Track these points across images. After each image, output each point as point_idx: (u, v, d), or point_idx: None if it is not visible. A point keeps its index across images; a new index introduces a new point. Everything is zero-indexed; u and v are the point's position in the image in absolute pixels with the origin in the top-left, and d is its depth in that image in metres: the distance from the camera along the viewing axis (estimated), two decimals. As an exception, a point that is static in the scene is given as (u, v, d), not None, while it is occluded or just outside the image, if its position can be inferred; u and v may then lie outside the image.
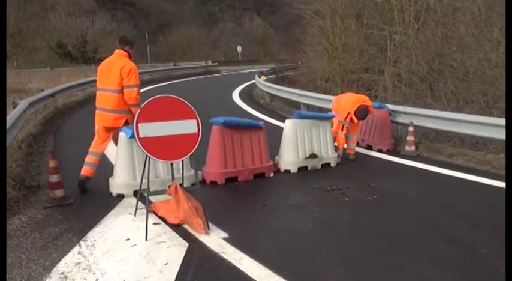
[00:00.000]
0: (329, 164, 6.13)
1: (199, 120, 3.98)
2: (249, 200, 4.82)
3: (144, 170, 4.03)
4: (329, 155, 6.14)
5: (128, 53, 5.01)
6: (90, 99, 14.22)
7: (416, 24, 12.18)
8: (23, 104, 7.96)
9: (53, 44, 45.47)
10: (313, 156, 6.00)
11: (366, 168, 6.13)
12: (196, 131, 3.96)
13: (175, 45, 55.45)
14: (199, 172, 5.44)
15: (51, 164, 4.53)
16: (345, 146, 6.62)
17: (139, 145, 3.73)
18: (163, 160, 3.91)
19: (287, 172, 5.84)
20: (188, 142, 3.93)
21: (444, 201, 4.64)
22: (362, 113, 6.30)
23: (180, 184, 4.11)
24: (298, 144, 5.91)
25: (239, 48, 48.96)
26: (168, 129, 3.85)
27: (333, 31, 15.39)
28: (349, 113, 6.33)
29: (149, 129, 3.77)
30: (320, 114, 6.48)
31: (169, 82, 23.58)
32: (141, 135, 3.73)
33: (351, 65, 14.48)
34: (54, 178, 4.54)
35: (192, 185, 5.17)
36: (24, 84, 13.60)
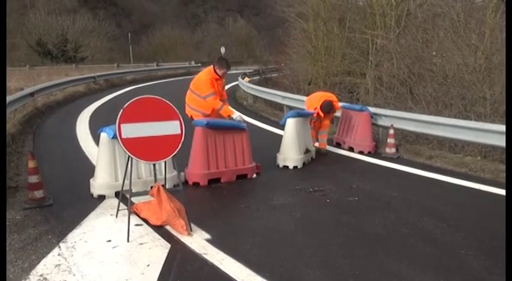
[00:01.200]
0: (312, 157, 6.66)
1: (182, 121, 3.97)
2: (231, 202, 4.83)
3: (126, 171, 4.01)
4: (312, 149, 6.71)
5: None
6: (70, 99, 14.07)
7: (397, 28, 12.39)
8: None
9: (32, 42, 44.59)
10: (307, 151, 6.44)
11: (347, 170, 6.21)
12: (179, 132, 3.95)
13: (158, 46, 55.04)
14: (182, 173, 5.43)
15: (31, 164, 4.45)
16: (317, 142, 7.15)
17: (122, 145, 3.70)
18: (146, 161, 3.89)
19: (295, 168, 6.13)
20: (171, 143, 3.91)
21: (423, 203, 4.74)
22: (326, 107, 6.85)
23: (163, 185, 4.09)
24: (299, 141, 6.21)
25: (222, 50, 48.80)
26: (151, 130, 3.84)
27: (316, 34, 15.52)
28: (316, 107, 6.89)
29: (132, 130, 3.75)
30: (308, 112, 6.93)
31: (152, 82, 23.40)
32: (123, 136, 3.70)
33: (333, 68, 14.63)
34: (33, 179, 4.47)
35: (175, 186, 5.15)
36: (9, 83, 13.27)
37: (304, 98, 10.94)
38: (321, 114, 6.92)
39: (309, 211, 4.53)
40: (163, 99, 3.92)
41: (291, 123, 6.18)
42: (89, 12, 52.92)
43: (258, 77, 22.26)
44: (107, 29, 52.10)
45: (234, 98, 16.16)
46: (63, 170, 6.00)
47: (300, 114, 6.47)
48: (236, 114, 5.98)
